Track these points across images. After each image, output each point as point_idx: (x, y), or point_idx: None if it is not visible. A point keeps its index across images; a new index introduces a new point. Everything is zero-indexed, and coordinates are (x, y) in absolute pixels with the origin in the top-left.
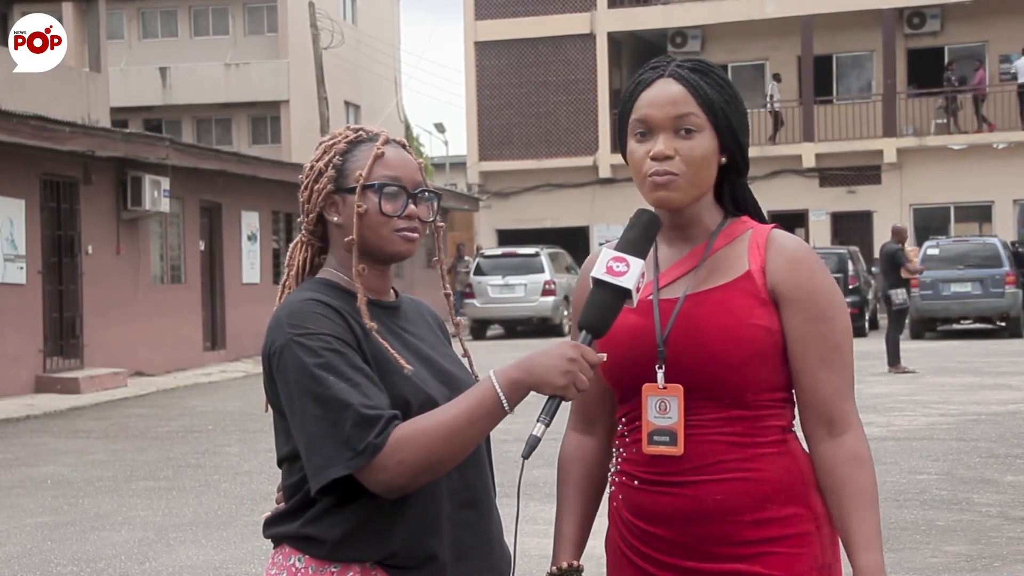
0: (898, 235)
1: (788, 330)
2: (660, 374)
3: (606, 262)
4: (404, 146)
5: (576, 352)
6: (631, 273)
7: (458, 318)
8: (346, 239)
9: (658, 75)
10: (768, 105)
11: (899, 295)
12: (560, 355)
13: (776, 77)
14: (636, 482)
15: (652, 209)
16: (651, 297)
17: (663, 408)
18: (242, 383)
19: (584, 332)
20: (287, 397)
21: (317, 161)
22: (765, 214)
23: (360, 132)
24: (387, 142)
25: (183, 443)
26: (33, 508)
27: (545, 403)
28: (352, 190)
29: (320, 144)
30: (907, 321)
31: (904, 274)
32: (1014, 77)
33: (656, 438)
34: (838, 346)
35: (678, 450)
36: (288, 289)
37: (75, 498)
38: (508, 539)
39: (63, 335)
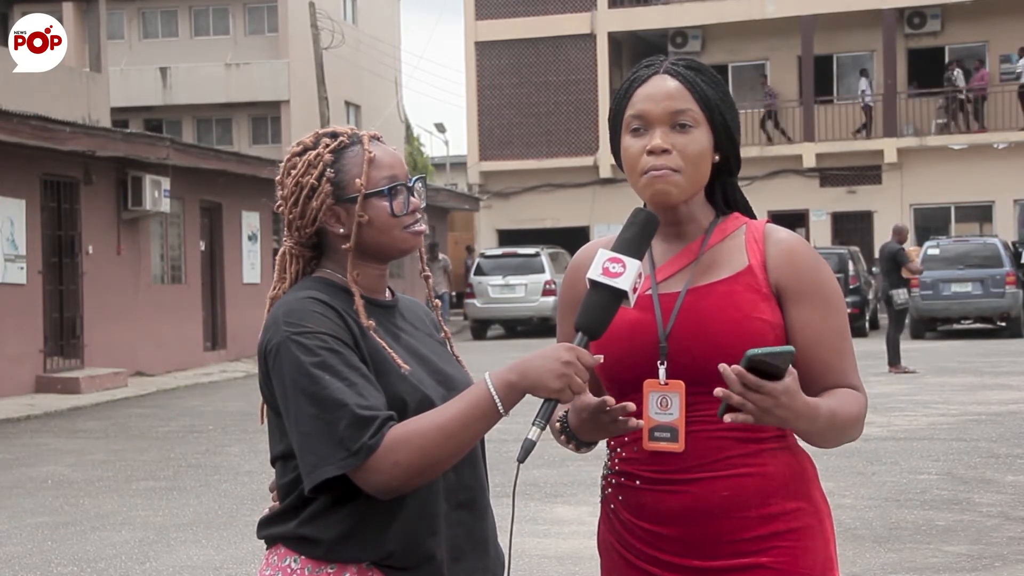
0: (899, 235)
1: (799, 325)
2: (662, 370)
3: (602, 263)
4: (380, 138)
5: (571, 355)
6: (627, 274)
7: (436, 301)
8: (344, 246)
9: (654, 72)
10: (861, 100)
11: (901, 295)
12: (555, 358)
13: (863, 72)
14: (638, 482)
15: (649, 208)
16: (649, 292)
17: (664, 404)
18: (242, 383)
19: (580, 334)
20: (282, 395)
21: (303, 176)
22: (759, 215)
23: (339, 138)
24: (370, 141)
25: (183, 443)
26: (33, 508)
27: (540, 406)
28: (354, 199)
29: (293, 157)
30: (907, 321)
31: (905, 274)
32: (1017, 77)
33: (657, 434)
34: (845, 333)
35: (679, 447)
36: (275, 302)
37: (75, 498)
38: (501, 539)
39: (63, 335)
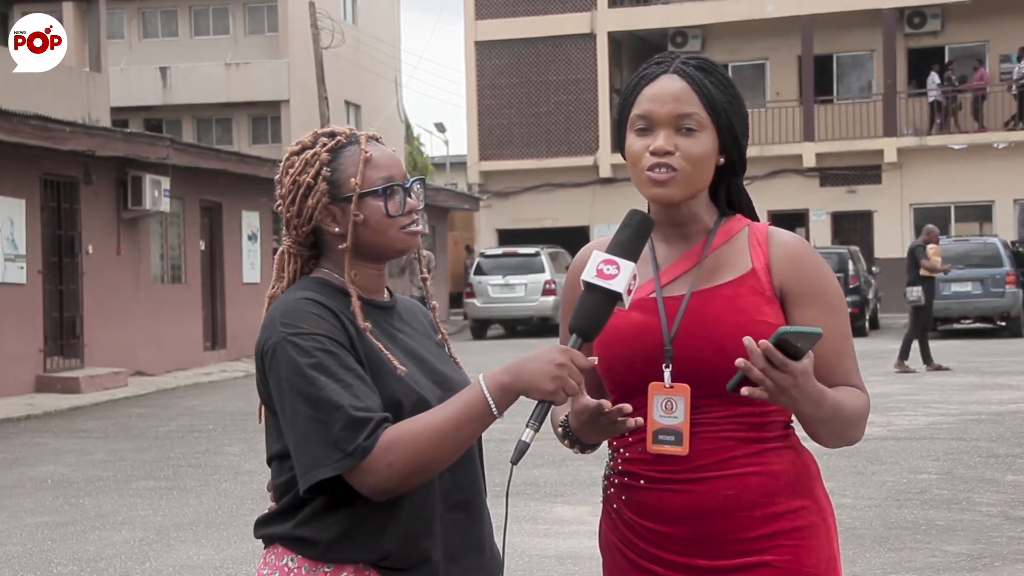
0: (928, 234)
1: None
2: (667, 373)
3: (596, 265)
4: (379, 139)
5: (565, 357)
6: (622, 276)
7: (433, 303)
8: (340, 247)
9: (662, 71)
10: (1012, 88)
11: (913, 292)
12: (549, 360)
13: (935, 68)
14: (642, 481)
15: (645, 210)
16: (654, 295)
17: (669, 407)
18: (242, 383)
19: (574, 336)
20: (278, 396)
21: (300, 175)
22: (759, 214)
23: (337, 138)
24: (368, 141)
25: (183, 443)
26: (33, 508)
27: (535, 408)
28: (350, 199)
29: (291, 156)
30: (924, 319)
31: (922, 271)
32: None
33: (661, 437)
34: (847, 335)
35: (683, 450)
36: (274, 301)
37: (75, 498)
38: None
39: (63, 335)
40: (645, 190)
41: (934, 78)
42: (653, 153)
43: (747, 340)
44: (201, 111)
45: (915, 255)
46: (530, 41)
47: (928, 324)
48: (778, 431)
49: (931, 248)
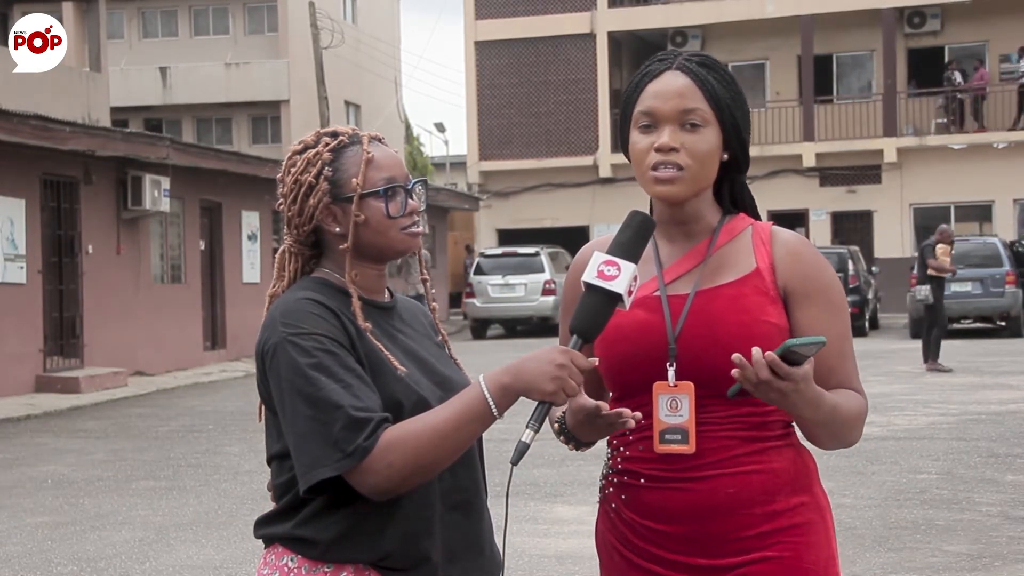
0: (940, 234)
1: (804, 327)
2: (671, 372)
3: (597, 266)
4: (381, 140)
5: (565, 358)
6: (622, 277)
7: (433, 304)
8: (341, 247)
9: (665, 67)
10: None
11: (920, 292)
12: (549, 360)
13: (953, 64)
14: (643, 480)
15: (646, 211)
16: (657, 293)
17: (674, 406)
18: (242, 383)
19: (575, 337)
20: (279, 396)
21: (302, 174)
22: (762, 213)
23: (339, 138)
24: (370, 142)
25: (183, 443)
26: (33, 508)
27: (534, 408)
28: (351, 199)
29: (293, 155)
30: (930, 318)
31: (929, 271)
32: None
33: (668, 437)
34: (848, 336)
35: (690, 448)
36: (274, 300)
37: (75, 498)
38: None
39: (63, 335)
40: (650, 188)
41: (956, 76)
42: (658, 150)
43: (755, 351)
44: (201, 111)
45: (923, 253)
46: (530, 41)
47: (934, 324)
48: (779, 430)
49: (940, 248)
